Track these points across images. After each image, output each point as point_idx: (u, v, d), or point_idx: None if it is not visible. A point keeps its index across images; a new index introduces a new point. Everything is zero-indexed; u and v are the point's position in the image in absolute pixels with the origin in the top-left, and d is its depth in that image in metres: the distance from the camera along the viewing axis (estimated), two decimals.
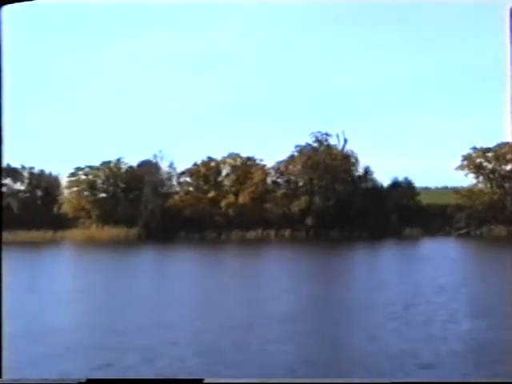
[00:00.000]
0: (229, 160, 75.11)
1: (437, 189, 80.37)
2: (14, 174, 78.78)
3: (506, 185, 73.31)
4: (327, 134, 72.28)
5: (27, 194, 77.75)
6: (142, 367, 17.31)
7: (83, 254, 63.37)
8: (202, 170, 74.90)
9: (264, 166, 74.73)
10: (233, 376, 16.21)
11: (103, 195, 76.71)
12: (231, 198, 72.89)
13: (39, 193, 78.10)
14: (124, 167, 77.13)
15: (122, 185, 76.30)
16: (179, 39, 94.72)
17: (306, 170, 71.06)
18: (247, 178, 73.47)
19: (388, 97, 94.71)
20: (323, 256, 56.41)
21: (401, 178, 74.44)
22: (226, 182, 73.93)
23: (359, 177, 73.79)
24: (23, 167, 78.00)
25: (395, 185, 74.35)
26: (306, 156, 71.60)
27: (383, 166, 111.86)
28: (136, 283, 38.65)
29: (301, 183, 72.45)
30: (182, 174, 76.67)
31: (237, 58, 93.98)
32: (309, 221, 69.58)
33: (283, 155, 74.90)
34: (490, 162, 73.40)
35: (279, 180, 74.60)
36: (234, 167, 74.68)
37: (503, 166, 73.35)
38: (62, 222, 74.98)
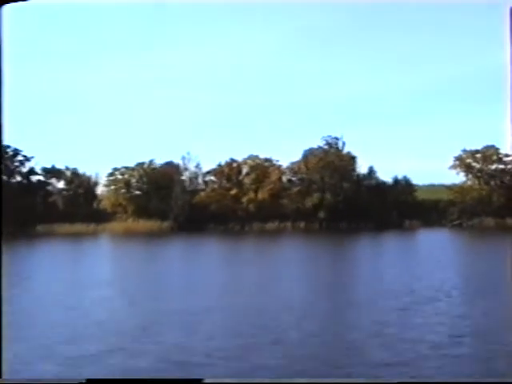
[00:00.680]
0: (249, 161, 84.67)
1: (432, 186, 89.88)
2: (59, 174, 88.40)
3: (492, 182, 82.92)
4: (336, 138, 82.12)
5: (71, 192, 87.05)
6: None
7: (131, 244, 68.72)
8: (226, 170, 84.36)
9: (280, 166, 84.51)
10: None
11: (137, 192, 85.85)
12: (251, 194, 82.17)
13: (81, 190, 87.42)
14: (155, 168, 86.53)
15: (153, 183, 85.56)
16: (201, 49, 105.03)
17: (318, 169, 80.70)
18: (265, 176, 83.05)
19: (388, 104, 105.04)
20: (336, 244, 65.45)
21: (400, 177, 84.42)
22: (247, 181, 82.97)
23: (364, 175, 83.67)
24: (67, 168, 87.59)
25: (395, 182, 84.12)
26: (317, 157, 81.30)
27: (385, 166, 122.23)
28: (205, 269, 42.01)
29: (313, 181, 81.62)
30: (208, 173, 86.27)
31: (253, 70, 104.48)
32: (321, 214, 79.08)
33: (295, 156, 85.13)
34: (478, 162, 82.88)
35: (293, 178, 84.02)
36: (253, 167, 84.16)
37: (489, 166, 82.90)
38: (100, 216, 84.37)
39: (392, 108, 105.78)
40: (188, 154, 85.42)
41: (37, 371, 15.47)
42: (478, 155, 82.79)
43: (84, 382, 8.00)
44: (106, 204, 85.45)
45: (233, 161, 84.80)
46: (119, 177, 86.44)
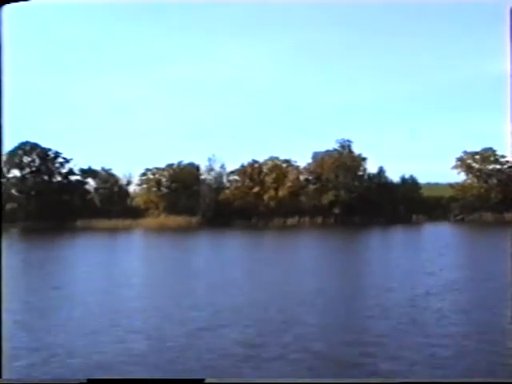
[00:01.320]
0: (269, 162, 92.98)
1: (435, 184, 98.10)
2: (95, 174, 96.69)
3: (490, 181, 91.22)
4: (349, 141, 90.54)
5: (106, 190, 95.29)
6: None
7: (168, 238, 75.60)
8: (248, 170, 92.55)
9: (298, 166, 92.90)
10: None
11: (167, 191, 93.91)
12: (272, 192, 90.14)
13: (115, 189, 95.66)
14: (183, 168, 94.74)
15: (181, 182, 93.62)
16: (215, 58, 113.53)
17: (333, 169, 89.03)
18: (284, 176, 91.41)
19: (395, 110, 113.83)
20: (355, 237, 72.93)
21: (407, 176, 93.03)
22: (268, 180, 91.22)
23: (374, 175, 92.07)
24: (103, 169, 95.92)
25: (403, 181, 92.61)
26: (332, 158, 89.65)
27: (393, 166, 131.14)
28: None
29: (329, 180, 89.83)
30: (231, 173, 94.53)
31: (267, 79, 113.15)
32: (336, 210, 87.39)
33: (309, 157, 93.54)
34: (477, 163, 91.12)
35: (310, 177, 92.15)
36: (273, 168, 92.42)
37: (487, 166, 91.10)
38: (133, 213, 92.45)
39: (398, 113, 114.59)
40: (213, 155, 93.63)
41: None
42: (477, 156, 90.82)
43: (85, 381, 8.05)
44: (139, 201, 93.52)
45: (254, 162, 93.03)
46: (151, 176, 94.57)
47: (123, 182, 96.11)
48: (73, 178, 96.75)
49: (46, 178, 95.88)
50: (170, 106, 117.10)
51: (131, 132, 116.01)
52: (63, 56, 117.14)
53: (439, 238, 66.06)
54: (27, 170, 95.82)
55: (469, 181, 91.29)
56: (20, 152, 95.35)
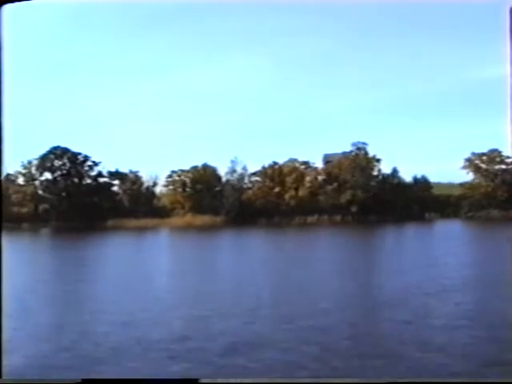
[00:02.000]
0: (289, 163, 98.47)
1: (447, 183, 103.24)
2: (123, 176, 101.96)
3: (496, 180, 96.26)
4: (364, 143, 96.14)
5: (134, 192, 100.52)
6: None
7: (198, 236, 78.29)
8: (269, 171, 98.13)
9: (316, 168, 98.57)
10: None
11: (192, 191, 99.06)
12: (292, 192, 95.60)
13: (142, 190, 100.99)
14: (207, 170, 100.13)
15: (205, 183, 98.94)
16: (235, 65, 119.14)
17: (350, 170, 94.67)
18: (303, 177, 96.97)
19: (406, 110, 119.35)
20: (372, 234, 77.61)
21: (419, 176, 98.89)
22: (288, 180, 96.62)
23: (388, 175, 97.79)
24: (131, 171, 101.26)
25: (415, 181, 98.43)
26: (349, 159, 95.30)
27: (406, 166, 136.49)
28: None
29: (346, 181, 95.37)
30: (253, 174, 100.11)
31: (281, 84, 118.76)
32: (353, 209, 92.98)
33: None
34: (484, 163, 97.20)
35: (327, 178, 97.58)
36: (293, 169, 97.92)
37: (494, 166, 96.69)
38: (160, 213, 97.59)
39: (410, 116, 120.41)
40: (235, 158, 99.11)
41: None
42: (485, 157, 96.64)
43: (80, 381, 7.99)
44: (165, 201, 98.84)
45: (275, 163, 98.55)
46: (176, 178, 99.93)
47: (149, 183, 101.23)
48: (101, 180, 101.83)
49: (76, 180, 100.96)
50: (190, 112, 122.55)
51: (156, 136, 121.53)
52: (78, 60, 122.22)
53: (453, 234, 71.09)
54: (58, 172, 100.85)
55: (476, 180, 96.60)
56: (51, 156, 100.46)
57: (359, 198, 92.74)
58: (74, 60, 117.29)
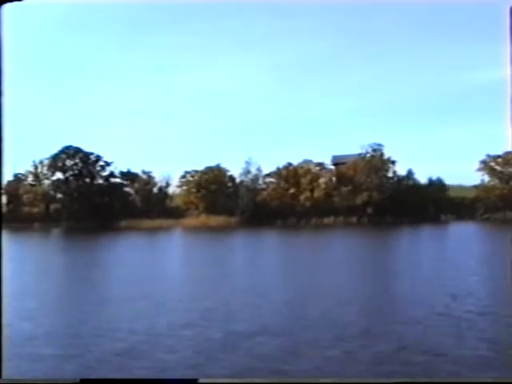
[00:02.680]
0: (304, 165, 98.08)
1: (457, 186, 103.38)
2: (134, 177, 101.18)
3: (511, 182, 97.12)
4: (380, 145, 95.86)
5: (146, 192, 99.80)
6: None
7: (215, 237, 76.51)
8: (284, 172, 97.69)
9: (331, 169, 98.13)
10: None
11: (206, 192, 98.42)
12: (307, 193, 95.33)
13: (155, 190, 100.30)
14: (221, 170, 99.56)
15: (219, 184, 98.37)
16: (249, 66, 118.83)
17: (365, 172, 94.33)
18: (319, 178, 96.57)
19: (422, 113, 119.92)
20: (390, 235, 77.49)
21: (434, 178, 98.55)
22: (303, 181, 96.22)
23: (403, 177, 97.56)
24: (143, 172, 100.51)
25: (430, 183, 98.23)
26: (365, 161, 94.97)
27: (421, 168, 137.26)
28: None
29: (361, 182, 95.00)
30: (268, 175, 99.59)
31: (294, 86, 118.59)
32: (369, 210, 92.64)
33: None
34: (499, 165, 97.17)
35: (343, 179, 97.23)
36: (307, 170, 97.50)
37: (509, 169, 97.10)
38: (173, 213, 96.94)
39: (424, 118, 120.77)
40: (250, 159, 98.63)
41: None
42: (500, 159, 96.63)
43: (78, 381, 7.98)
44: (179, 202, 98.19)
45: (289, 164, 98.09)
46: (190, 178, 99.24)
47: (162, 183, 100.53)
48: (113, 180, 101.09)
49: (87, 180, 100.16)
50: (199, 112, 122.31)
51: (168, 136, 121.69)
52: (83, 61, 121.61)
53: (470, 236, 70.87)
54: (70, 172, 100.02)
55: (491, 182, 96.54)
56: (63, 156, 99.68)
57: (375, 199, 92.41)
58: (78, 60, 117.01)
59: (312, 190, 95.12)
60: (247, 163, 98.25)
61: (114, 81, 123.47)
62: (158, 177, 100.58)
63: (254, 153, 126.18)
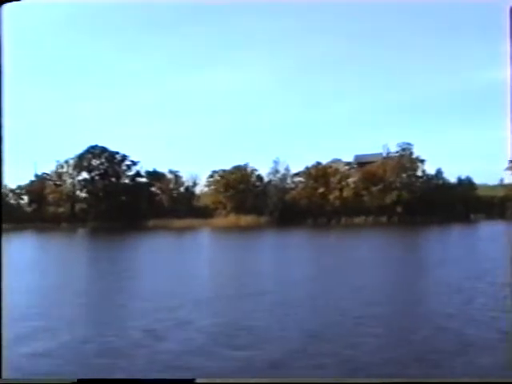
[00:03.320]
0: (333, 164, 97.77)
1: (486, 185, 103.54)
2: (161, 176, 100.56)
3: None
4: (409, 144, 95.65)
5: (174, 192, 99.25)
6: None
7: (249, 236, 75.51)
8: (313, 172, 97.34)
9: (359, 168, 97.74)
10: None
11: (234, 191, 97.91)
12: (336, 192, 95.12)
13: (182, 190, 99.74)
14: (249, 170, 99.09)
15: (247, 183, 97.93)
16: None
17: (395, 171, 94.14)
18: (348, 177, 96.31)
19: (451, 114, 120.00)
20: (424, 234, 76.91)
21: (463, 177, 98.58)
22: (333, 181, 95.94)
23: (432, 176, 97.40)
24: (170, 171, 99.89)
25: (459, 182, 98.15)
26: (394, 161, 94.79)
27: (450, 167, 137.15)
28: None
29: (391, 181, 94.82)
30: (296, 174, 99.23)
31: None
32: (399, 209, 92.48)
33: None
34: None
35: (372, 179, 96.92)
36: (336, 169, 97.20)
37: None
38: (200, 212, 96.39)
39: (453, 118, 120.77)
40: (278, 158, 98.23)
41: None
42: None
43: (75, 381, 8.04)
44: (207, 201, 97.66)
45: (318, 164, 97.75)
46: (218, 178, 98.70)
47: (189, 183, 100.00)
48: (139, 179, 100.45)
49: (113, 180, 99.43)
50: (228, 111, 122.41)
51: (196, 136, 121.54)
52: (101, 60, 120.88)
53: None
54: (95, 172, 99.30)
55: None
56: (89, 155, 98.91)
57: (404, 198, 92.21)
58: (98, 62, 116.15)
59: (341, 190, 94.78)
60: (275, 162, 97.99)
61: (136, 81, 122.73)
62: (185, 176, 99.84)
63: (277, 152, 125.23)
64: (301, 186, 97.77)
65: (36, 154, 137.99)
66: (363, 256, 42.42)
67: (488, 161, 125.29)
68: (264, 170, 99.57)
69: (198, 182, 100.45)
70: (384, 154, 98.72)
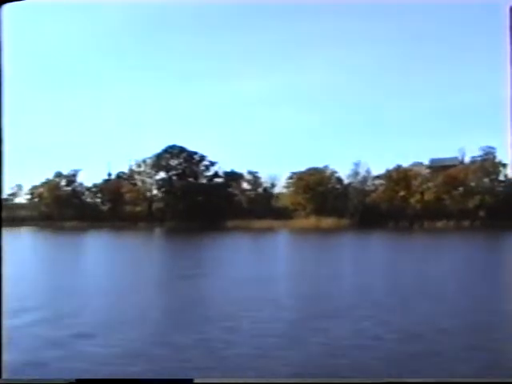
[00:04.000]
0: (414, 167, 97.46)
1: None
2: (239, 177, 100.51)
3: None
4: (492, 148, 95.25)
5: (252, 192, 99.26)
6: None
7: (335, 239, 75.41)
8: (394, 174, 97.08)
9: (440, 172, 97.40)
10: None
11: (314, 193, 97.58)
12: (418, 196, 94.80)
13: (260, 191, 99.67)
14: (329, 172, 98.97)
15: (328, 185, 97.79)
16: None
17: (477, 175, 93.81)
18: (428, 180, 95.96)
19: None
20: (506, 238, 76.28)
21: None
22: (414, 184, 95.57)
23: None
24: (249, 172, 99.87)
25: None
26: (476, 164, 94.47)
27: None
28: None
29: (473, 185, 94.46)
30: (377, 177, 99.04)
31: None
32: (481, 214, 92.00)
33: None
34: None
35: (453, 182, 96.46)
36: (418, 172, 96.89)
37: None
38: (279, 214, 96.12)
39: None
40: (358, 160, 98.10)
41: None
42: None
43: (73, 381, 8.04)
44: (286, 203, 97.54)
45: (399, 166, 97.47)
46: (297, 179, 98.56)
47: (267, 184, 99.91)
48: (217, 180, 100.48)
49: (191, 180, 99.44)
50: (305, 112, 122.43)
51: (273, 136, 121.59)
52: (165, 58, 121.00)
53: None
54: (173, 172, 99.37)
55: None
56: (167, 155, 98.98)
57: (487, 202, 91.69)
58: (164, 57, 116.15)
59: (422, 193, 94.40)
60: (355, 164, 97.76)
61: (212, 79, 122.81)
62: (264, 177, 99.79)
63: (354, 153, 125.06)
64: (381, 188, 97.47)
65: (111, 154, 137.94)
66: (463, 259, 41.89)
67: None
68: (344, 172, 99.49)
69: (276, 183, 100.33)
70: (460, 158, 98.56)
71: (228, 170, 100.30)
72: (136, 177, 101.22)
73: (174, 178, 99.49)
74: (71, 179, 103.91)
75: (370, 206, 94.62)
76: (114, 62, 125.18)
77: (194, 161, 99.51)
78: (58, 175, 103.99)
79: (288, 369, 12.07)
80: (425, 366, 12.38)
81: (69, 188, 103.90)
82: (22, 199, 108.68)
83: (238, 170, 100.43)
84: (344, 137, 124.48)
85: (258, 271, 32.62)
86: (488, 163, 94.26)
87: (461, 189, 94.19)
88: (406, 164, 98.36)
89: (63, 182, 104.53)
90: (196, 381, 8.59)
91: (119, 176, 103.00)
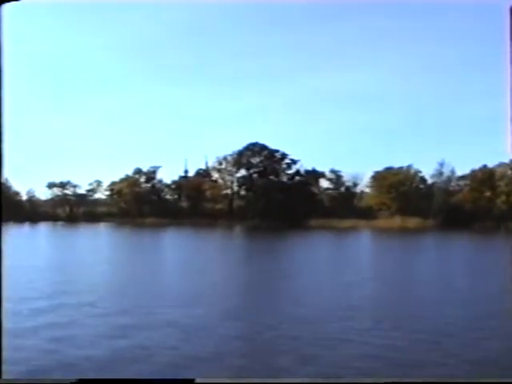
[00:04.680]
0: (500, 169, 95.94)
1: None
2: (319, 175, 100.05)
3: None
4: None
5: (334, 191, 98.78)
6: None
7: (426, 240, 75.48)
8: (479, 175, 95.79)
9: None
10: None
11: (398, 193, 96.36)
12: (503, 197, 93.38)
13: (342, 190, 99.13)
14: (414, 173, 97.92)
15: (411, 185, 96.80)
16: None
17: None
18: None
19: None
20: None
21: None
22: (501, 184, 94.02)
23: None
24: (332, 171, 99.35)
25: None
26: None
27: None
28: None
29: None
30: (462, 178, 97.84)
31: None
32: None
33: None
34: None
35: None
36: (503, 173, 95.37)
37: None
38: (361, 213, 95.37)
39: None
40: (443, 160, 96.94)
41: None
42: None
43: (76, 381, 8.09)
44: (369, 202, 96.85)
45: (484, 166, 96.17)
46: (380, 179, 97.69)
47: (349, 183, 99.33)
48: (299, 178, 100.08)
49: (272, 178, 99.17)
50: (385, 111, 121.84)
51: (357, 135, 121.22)
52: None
53: None
54: (254, 169, 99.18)
55: None
56: (248, 153, 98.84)
57: None
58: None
59: (508, 194, 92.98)
60: (440, 164, 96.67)
61: (287, 77, 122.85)
62: (346, 176, 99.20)
63: (432, 152, 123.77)
64: (466, 188, 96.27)
65: (188, 151, 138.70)
66: None
67: None
68: (427, 172, 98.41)
69: (358, 182, 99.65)
70: None
71: (309, 168, 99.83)
72: (215, 174, 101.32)
73: (255, 175, 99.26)
74: (151, 176, 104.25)
75: (455, 207, 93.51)
76: (189, 60, 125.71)
77: (275, 159, 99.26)
78: (138, 172, 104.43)
79: None
80: None
81: (148, 185, 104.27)
82: (101, 195, 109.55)
83: (318, 168, 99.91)
84: (422, 136, 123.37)
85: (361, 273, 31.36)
86: None
87: None
88: (491, 164, 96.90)
89: (142, 179, 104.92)
90: (197, 381, 8.68)
91: (198, 173, 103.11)
